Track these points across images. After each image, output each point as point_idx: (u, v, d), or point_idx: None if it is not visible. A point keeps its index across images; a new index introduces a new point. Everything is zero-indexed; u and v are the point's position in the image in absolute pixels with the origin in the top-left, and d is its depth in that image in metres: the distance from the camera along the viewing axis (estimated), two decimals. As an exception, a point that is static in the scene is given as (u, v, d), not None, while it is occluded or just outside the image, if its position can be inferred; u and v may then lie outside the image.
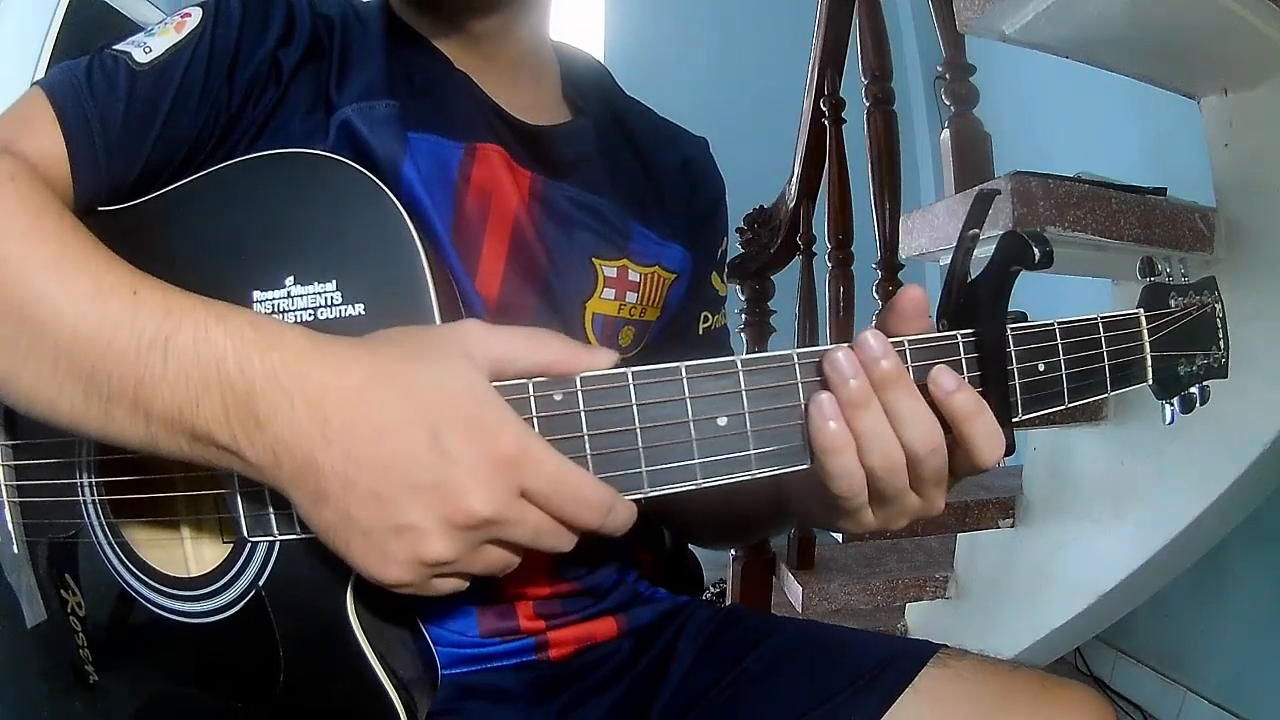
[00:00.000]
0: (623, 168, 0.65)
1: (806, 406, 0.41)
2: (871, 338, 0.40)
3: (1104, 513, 1.29)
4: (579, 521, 0.39)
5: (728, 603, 1.65)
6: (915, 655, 0.57)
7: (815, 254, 1.72)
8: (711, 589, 2.42)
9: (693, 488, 0.40)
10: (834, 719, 0.55)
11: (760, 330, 1.82)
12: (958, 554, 1.54)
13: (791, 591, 1.50)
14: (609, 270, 0.61)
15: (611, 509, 0.39)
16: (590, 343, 0.60)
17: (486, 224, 0.57)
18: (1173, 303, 0.51)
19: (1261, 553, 1.51)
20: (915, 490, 0.43)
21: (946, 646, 0.59)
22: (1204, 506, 1.12)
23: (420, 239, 0.44)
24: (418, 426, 0.36)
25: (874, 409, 0.40)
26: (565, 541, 0.39)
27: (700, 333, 0.71)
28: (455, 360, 0.38)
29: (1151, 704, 1.76)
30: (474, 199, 0.56)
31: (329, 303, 0.43)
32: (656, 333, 0.67)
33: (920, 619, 1.61)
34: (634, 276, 0.63)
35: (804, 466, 0.41)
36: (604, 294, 0.61)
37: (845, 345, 0.41)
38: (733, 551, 1.61)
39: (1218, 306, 0.54)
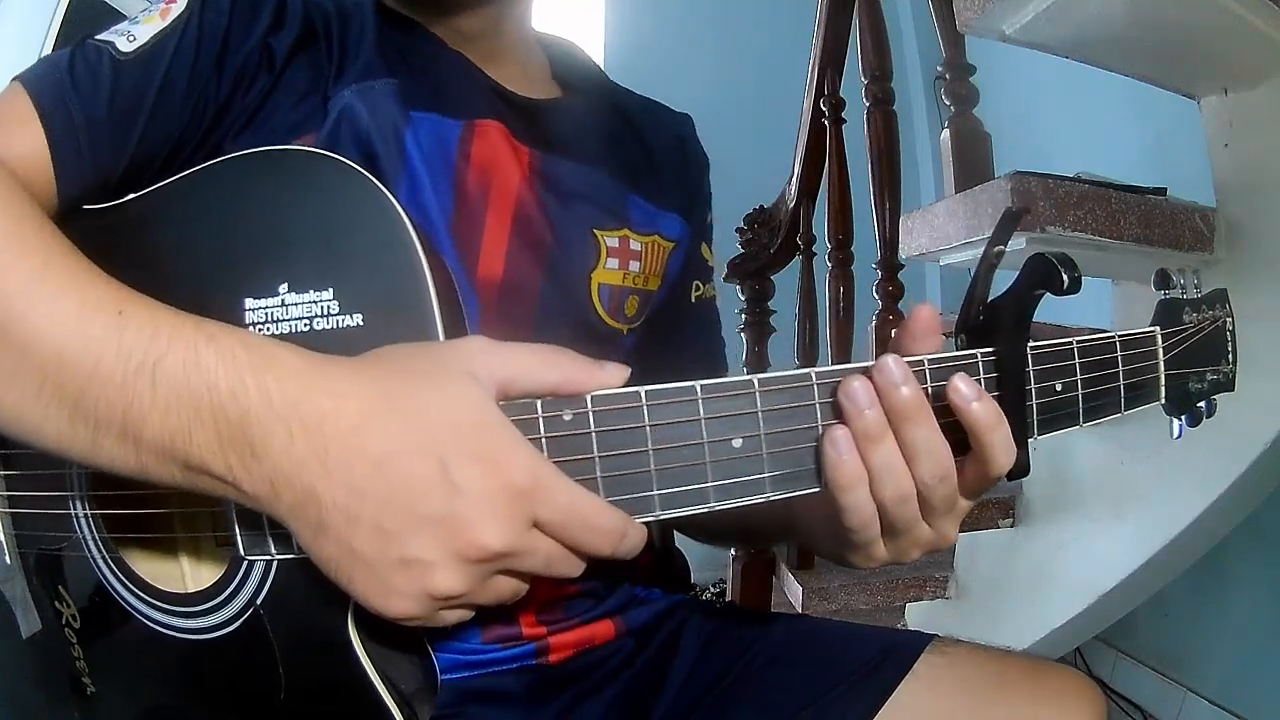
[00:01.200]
0: (616, 141, 0.66)
1: (820, 439, 0.39)
2: (892, 362, 0.39)
3: (1104, 513, 1.28)
4: (591, 549, 0.37)
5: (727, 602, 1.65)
6: (911, 646, 0.58)
7: (815, 254, 1.72)
8: (711, 589, 2.42)
9: (704, 510, 0.39)
10: (834, 712, 0.55)
11: (760, 330, 1.82)
12: (958, 554, 1.54)
13: (791, 591, 1.50)
14: (611, 240, 0.61)
15: (625, 535, 0.37)
16: (599, 315, 0.60)
17: (488, 201, 0.56)
18: (1186, 318, 0.51)
19: (1261, 553, 1.51)
20: (926, 520, 0.42)
21: (940, 636, 0.59)
22: (1204, 506, 1.12)
23: (420, 239, 0.42)
24: (423, 456, 0.34)
25: (888, 442, 0.39)
26: (576, 568, 0.38)
27: (693, 300, 0.71)
28: (460, 383, 0.36)
29: (1151, 704, 1.76)
30: (475, 177, 0.56)
31: (325, 312, 0.41)
32: (657, 305, 0.68)
33: (920, 619, 1.61)
34: (635, 246, 0.63)
35: (815, 489, 0.40)
36: (608, 264, 0.61)
37: (862, 372, 0.39)
38: (733, 551, 1.61)
39: (1229, 320, 0.53)
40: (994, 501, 1.43)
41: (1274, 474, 1.08)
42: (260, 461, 0.35)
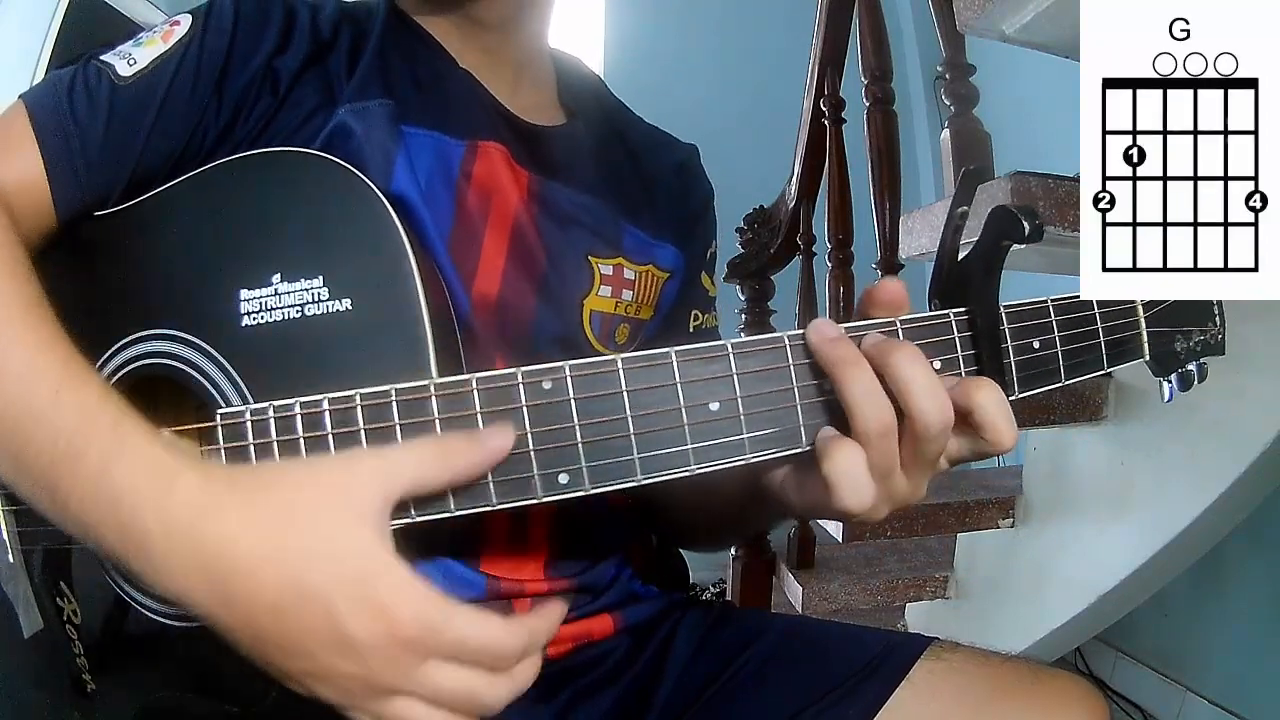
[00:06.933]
0: (616, 169, 0.66)
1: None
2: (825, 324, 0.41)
3: (1104, 513, 1.28)
4: (500, 669, 0.38)
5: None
6: (908, 649, 0.57)
7: (815, 254, 1.71)
8: (711, 589, 2.42)
9: (686, 474, 0.40)
10: (830, 715, 0.55)
11: (760, 330, 1.82)
12: (958, 554, 1.54)
13: (791, 591, 1.50)
14: (605, 268, 0.62)
15: (525, 648, 0.39)
16: (589, 340, 0.61)
17: (487, 221, 0.57)
18: None
19: (1261, 553, 1.51)
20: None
21: (939, 639, 0.59)
22: (1204, 506, 1.12)
23: (406, 233, 0.44)
24: (314, 607, 0.35)
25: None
26: (502, 688, 0.39)
27: (690, 330, 0.71)
28: (348, 529, 0.36)
29: (1151, 704, 1.76)
30: (475, 196, 0.56)
31: (316, 299, 0.43)
32: (650, 334, 0.68)
33: (920, 619, 1.61)
34: (629, 274, 0.63)
35: (800, 449, 0.41)
36: (601, 291, 0.61)
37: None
38: (733, 551, 1.60)
39: None
40: (994, 501, 1.43)
41: (1274, 474, 1.08)
42: (161, 579, 0.36)
